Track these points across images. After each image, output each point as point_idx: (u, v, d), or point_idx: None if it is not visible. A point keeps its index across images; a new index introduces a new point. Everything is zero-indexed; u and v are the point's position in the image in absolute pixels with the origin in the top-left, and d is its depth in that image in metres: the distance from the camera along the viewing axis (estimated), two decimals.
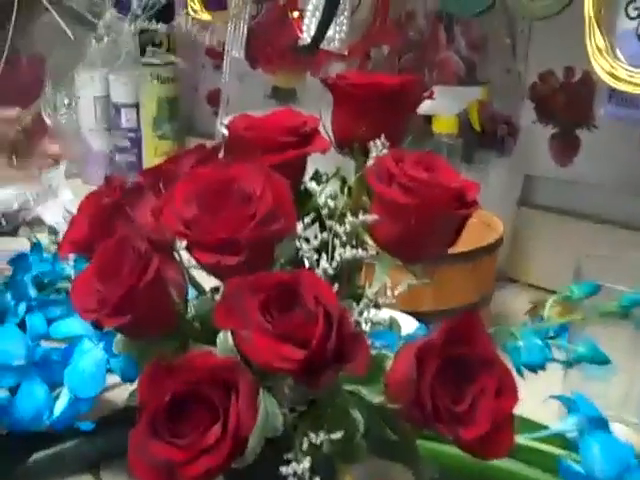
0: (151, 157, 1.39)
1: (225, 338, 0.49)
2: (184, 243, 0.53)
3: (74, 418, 0.60)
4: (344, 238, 0.52)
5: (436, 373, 0.42)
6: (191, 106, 1.47)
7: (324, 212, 0.52)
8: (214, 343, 0.50)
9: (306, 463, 0.44)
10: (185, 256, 0.54)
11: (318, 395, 0.48)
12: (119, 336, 0.54)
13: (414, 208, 0.48)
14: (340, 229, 0.51)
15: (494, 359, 0.44)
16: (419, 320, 0.76)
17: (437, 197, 0.48)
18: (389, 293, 0.51)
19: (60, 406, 0.59)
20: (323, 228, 0.54)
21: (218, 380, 0.42)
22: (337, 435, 0.46)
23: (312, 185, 0.53)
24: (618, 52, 0.72)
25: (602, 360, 0.54)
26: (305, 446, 0.46)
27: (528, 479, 0.51)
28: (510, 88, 1.13)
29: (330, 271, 0.50)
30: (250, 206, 0.48)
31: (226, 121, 1.17)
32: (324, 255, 0.51)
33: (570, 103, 1.09)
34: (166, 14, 1.33)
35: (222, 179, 0.50)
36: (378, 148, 0.54)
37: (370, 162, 0.54)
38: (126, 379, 0.57)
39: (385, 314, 0.52)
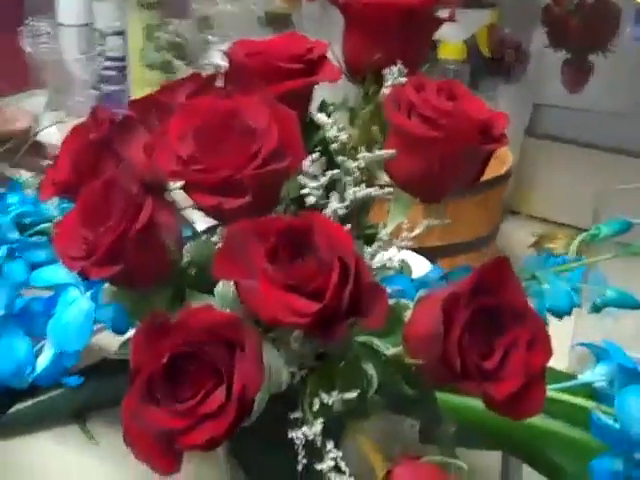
0: (139, 88, 1.32)
1: (225, 288, 0.45)
2: (179, 183, 0.48)
3: (59, 373, 0.55)
4: (356, 175, 0.47)
5: (464, 327, 0.38)
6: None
7: (334, 146, 0.47)
8: (212, 292, 0.46)
9: (318, 426, 0.40)
10: (180, 196, 0.49)
11: (328, 348, 0.44)
12: (107, 285, 0.50)
13: (438, 142, 0.43)
14: (352, 165, 0.47)
15: (526, 309, 0.40)
16: (425, 256, 0.72)
17: (464, 130, 0.43)
18: (405, 234, 0.47)
19: (43, 361, 0.55)
20: (331, 164, 0.49)
21: (220, 338, 0.38)
22: (350, 395, 0.42)
23: (320, 117, 0.48)
24: None
25: (633, 304, 0.50)
26: (316, 407, 0.42)
27: (554, 433, 0.47)
28: (521, 11, 1.07)
29: (341, 211, 0.46)
30: (254, 141, 0.43)
31: (219, 48, 1.11)
32: (333, 194, 0.47)
33: (585, 27, 1.03)
34: None
35: (222, 111, 0.45)
36: (394, 75, 0.49)
37: (385, 91, 0.49)
38: (116, 331, 0.52)
39: (395, 255, 0.47)
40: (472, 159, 0.45)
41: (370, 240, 0.49)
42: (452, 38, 0.97)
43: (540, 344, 0.39)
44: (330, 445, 0.41)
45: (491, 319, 0.39)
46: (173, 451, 0.38)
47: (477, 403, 0.42)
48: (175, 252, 0.45)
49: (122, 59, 1.32)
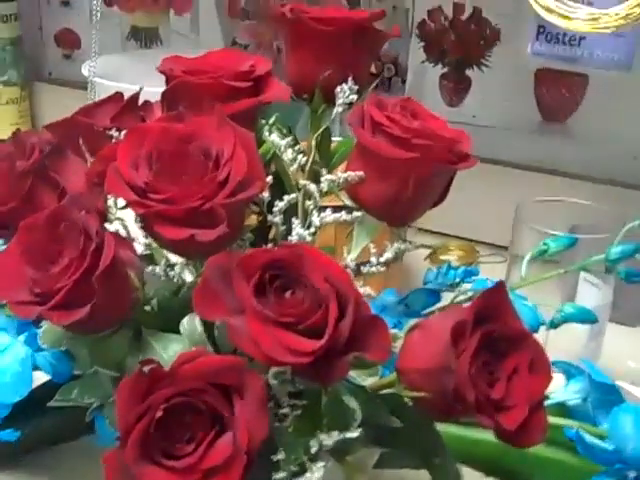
0: None
1: (191, 326, 0.42)
2: (124, 212, 0.44)
3: None
4: (318, 199, 0.44)
5: (473, 357, 0.36)
6: (36, 47, 1.32)
7: (292, 169, 0.45)
8: (174, 330, 0.42)
9: (318, 472, 0.38)
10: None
11: (308, 385, 0.41)
12: (46, 326, 0.45)
13: (413, 163, 0.41)
14: (314, 189, 0.44)
15: (523, 333, 0.38)
16: None
17: (437, 150, 0.41)
18: (374, 260, 0.45)
19: None
20: (280, 188, 0.46)
21: (219, 385, 0.34)
22: (332, 438, 0.39)
23: (274, 138, 0.45)
24: None
25: (591, 318, 0.50)
26: (300, 453, 0.39)
27: (540, 457, 0.46)
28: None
29: (308, 238, 0.43)
30: (220, 168, 0.40)
31: (87, 65, 1.05)
32: (295, 221, 0.44)
33: (460, 41, 1.05)
34: None
35: (178, 135, 0.41)
36: (345, 93, 0.47)
37: (338, 109, 0.47)
38: (58, 378, 0.47)
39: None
40: (442, 179, 0.44)
41: None
42: None
43: (540, 367, 0.38)
44: None
45: (491, 346, 0.37)
46: None
47: (465, 432, 0.40)
48: (139, 289, 0.41)
49: None
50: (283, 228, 0.44)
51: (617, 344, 0.72)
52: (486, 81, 1.04)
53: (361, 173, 0.43)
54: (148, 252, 0.45)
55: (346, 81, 0.47)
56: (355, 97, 0.47)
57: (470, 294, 0.52)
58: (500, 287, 0.38)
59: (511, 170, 1.02)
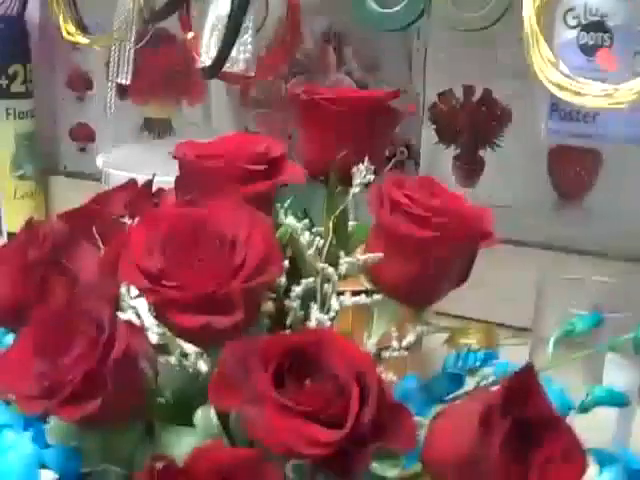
0: (10, 200, 1.24)
1: (205, 418, 0.40)
2: (138, 301, 0.43)
3: None
4: (336, 282, 0.43)
5: (504, 445, 0.34)
6: (51, 142, 1.33)
7: (309, 252, 0.44)
8: (188, 422, 0.41)
9: None
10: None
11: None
12: (54, 422, 0.43)
13: (435, 242, 0.40)
14: (332, 272, 0.43)
15: (557, 418, 0.37)
16: None
17: (459, 228, 0.40)
18: (395, 344, 0.43)
19: None
20: (296, 272, 0.45)
21: None
22: None
23: (290, 221, 0.44)
24: (561, 64, 0.68)
25: (622, 401, 0.48)
26: None
27: None
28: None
29: (327, 323, 0.42)
30: (236, 252, 0.39)
31: (101, 158, 1.06)
32: (313, 305, 0.43)
33: (472, 123, 1.05)
34: None
35: (192, 220, 0.40)
36: (362, 173, 0.46)
37: (355, 190, 0.46)
38: (67, 476, 0.45)
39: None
40: (464, 257, 0.42)
41: None
42: None
43: (575, 455, 0.36)
44: None
45: (522, 432, 0.36)
46: None
47: None
48: (152, 380, 0.39)
49: None
50: (301, 313, 0.43)
51: None
52: (500, 161, 1.04)
53: (380, 254, 0.42)
54: (162, 342, 0.44)
55: (362, 161, 0.46)
56: (372, 177, 0.46)
57: (492, 379, 0.51)
58: (529, 369, 0.36)
59: (529, 250, 1.01)
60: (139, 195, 0.51)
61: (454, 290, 0.44)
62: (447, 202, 0.42)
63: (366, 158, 0.46)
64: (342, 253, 0.43)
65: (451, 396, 0.49)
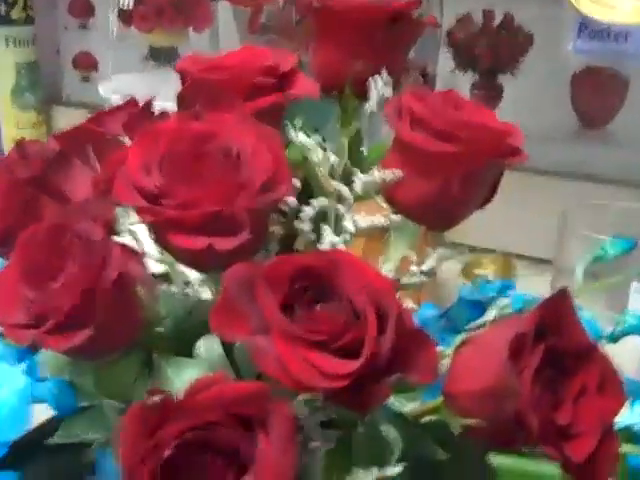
0: (12, 130, 1.21)
1: (209, 349, 0.37)
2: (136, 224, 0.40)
3: None
4: (351, 202, 0.40)
5: (534, 377, 0.31)
6: (54, 72, 1.29)
7: (322, 170, 0.40)
8: (190, 354, 0.38)
9: None
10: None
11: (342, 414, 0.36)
12: (47, 353, 0.40)
13: (460, 158, 0.36)
14: (347, 191, 0.40)
15: (591, 348, 0.33)
16: None
17: (486, 142, 0.37)
18: (414, 269, 0.40)
19: None
20: (308, 195, 0.42)
21: (240, 418, 0.29)
22: (371, 475, 0.34)
23: (301, 137, 0.41)
24: None
25: None
26: None
27: None
28: (424, 35, 1.03)
29: (341, 245, 0.39)
30: (242, 168, 0.35)
31: (104, 86, 1.02)
32: (325, 227, 0.39)
33: (491, 49, 1.00)
34: None
35: (193, 135, 0.37)
36: (379, 86, 0.42)
37: (372, 104, 0.42)
38: (61, 410, 0.42)
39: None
40: (490, 176, 0.39)
41: None
42: None
43: (610, 387, 0.33)
44: None
45: (555, 362, 0.32)
46: None
47: (524, 464, 0.35)
48: (150, 308, 0.36)
49: None
50: (312, 236, 0.39)
51: None
52: (520, 88, 1.00)
53: (400, 171, 0.38)
54: (163, 270, 0.41)
55: (379, 74, 0.42)
56: (390, 91, 0.42)
57: (510, 310, 0.48)
58: (564, 295, 0.33)
59: (549, 179, 0.97)
60: (139, 115, 0.47)
61: (472, 220, 0.41)
62: (472, 116, 0.38)
63: (384, 71, 0.42)
64: (357, 170, 0.40)
65: (472, 325, 0.45)
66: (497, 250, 0.97)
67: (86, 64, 1.24)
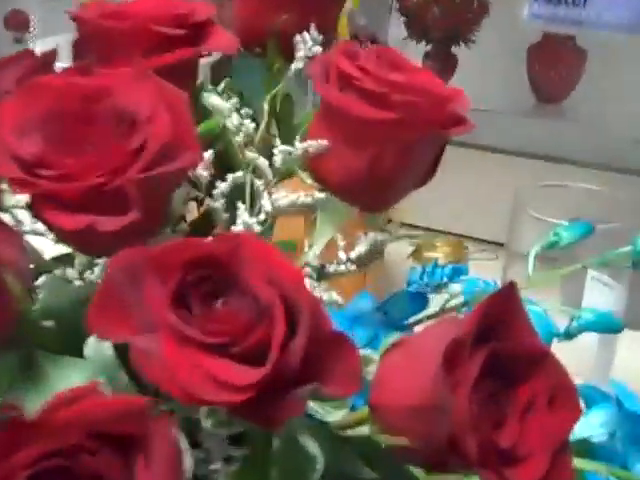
0: None
1: (99, 348, 0.31)
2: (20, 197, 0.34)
3: None
4: (271, 177, 0.34)
5: (473, 390, 0.26)
6: None
7: (238, 139, 0.35)
8: (79, 352, 0.32)
9: None
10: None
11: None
12: None
13: (393, 125, 0.31)
14: (265, 164, 0.34)
15: (543, 352, 0.28)
16: None
17: (424, 109, 0.31)
18: (342, 256, 0.35)
19: None
20: (223, 165, 0.36)
21: (111, 440, 0.24)
22: None
23: (215, 99, 0.35)
24: None
25: (614, 326, 0.40)
26: None
27: None
28: (375, 0, 0.98)
29: (256, 227, 0.33)
30: (135, 133, 0.29)
31: (38, 48, 0.95)
32: (240, 205, 0.34)
33: (445, 16, 0.95)
34: None
35: (82, 93, 0.31)
36: (308, 44, 0.37)
37: (297, 64, 0.37)
38: None
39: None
40: (430, 149, 0.34)
41: None
42: None
43: (564, 398, 0.28)
44: None
45: (498, 371, 0.27)
46: None
47: None
48: (23, 298, 0.30)
49: None
50: (227, 216, 0.34)
51: (633, 354, 0.62)
52: (474, 59, 0.95)
53: (325, 142, 0.33)
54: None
55: (308, 29, 0.37)
56: (319, 49, 0.37)
57: (460, 298, 0.43)
58: (510, 290, 0.28)
59: (502, 157, 0.93)
60: (37, 68, 0.41)
61: (422, 199, 0.36)
62: (411, 78, 0.33)
63: (313, 25, 0.37)
64: (277, 140, 0.34)
65: (412, 320, 0.40)
66: (449, 232, 0.92)
67: (18, 23, 1.16)
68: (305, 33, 0.37)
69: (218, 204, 0.34)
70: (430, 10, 0.96)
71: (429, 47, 0.97)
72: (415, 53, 0.98)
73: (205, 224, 0.36)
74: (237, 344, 0.25)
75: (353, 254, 0.34)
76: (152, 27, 0.35)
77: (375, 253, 0.37)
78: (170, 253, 0.27)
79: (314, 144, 0.33)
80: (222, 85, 0.41)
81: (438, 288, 0.81)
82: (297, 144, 0.33)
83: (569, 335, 0.40)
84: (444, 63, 0.95)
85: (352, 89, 0.32)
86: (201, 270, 0.26)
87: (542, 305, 0.39)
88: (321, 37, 0.37)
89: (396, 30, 0.97)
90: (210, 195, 0.34)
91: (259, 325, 0.26)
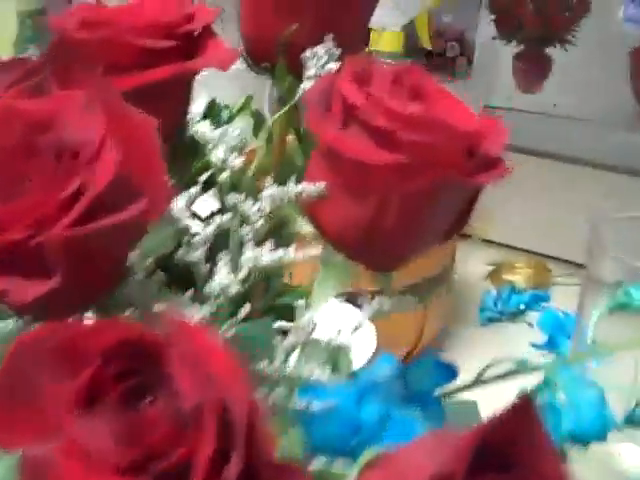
0: None
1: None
2: None
3: None
4: (259, 225, 0.28)
5: None
6: None
7: (223, 177, 0.29)
8: None
9: None
10: None
11: None
12: None
13: (399, 172, 0.24)
14: (253, 209, 0.28)
15: None
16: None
17: (442, 151, 0.25)
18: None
19: None
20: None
21: None
22: None
23: (202, 127, 0.29)
24: None
25: None
26: None
27: None
28: None
29: (234, 289, 0.27)
30: (74, 176, 0.24)
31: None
32: (222, 256, 0.28)
33: (540, 13, 0.87)
34: None
35: (26, 120, 0.26)
36: (320, 59, 0.30)
37: (306, 84, 0.30)
38: None
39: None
40: (453, 198, 0.27)
41: (286, 317, 0.31)
42: (387, 25, 0.78)
43: None
44: None
45: None
46: None
47: None
48: None
49: None
50: (205, 270, 0.28)
51: None
52: (571, 62, 0.86)
53: (321, 185, 0.27)
54: None
55: (321, 41, 0.30)
56: (334, 67, 0.30)
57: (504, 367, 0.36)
58: (526, 405, 0.21)
59: (598, 172, 0.84)
60: (28, 76, 0.36)
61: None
62: (432, 108, 0.26)
63: (329, 36, 0.30)
64: (268, 180, 0.28)
65: (438, 392, 0.34)
66: (532, 251, 0.84)
67: None
68: (318, 47, 0.30)
69: (195, 256, 0.28)
70: (524, 6, 0.88)
71: (521, 47, 0.89)
72: (506, 53, 0.90)
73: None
74: (153, 463, 0.20)
75: (344, 331, 0.28)
76: (129, 39, 0.29)
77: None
78: (86, 338, 0.21)
79: (309, 188, 0.27)
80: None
81: (514, 316, 0.73)
82: (290, 185, 0.27)
83: (632, 422, 0.32)
84: (536, 65, 0.87)
85: (356, 122, 0.26)
86: (124, 361, 0.21)
87: (598, 384, 0.31)
88: (337, 51, 0.31)
89: (485, 28, 0.89)
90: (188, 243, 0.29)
91: (183, 440, 0.20)
